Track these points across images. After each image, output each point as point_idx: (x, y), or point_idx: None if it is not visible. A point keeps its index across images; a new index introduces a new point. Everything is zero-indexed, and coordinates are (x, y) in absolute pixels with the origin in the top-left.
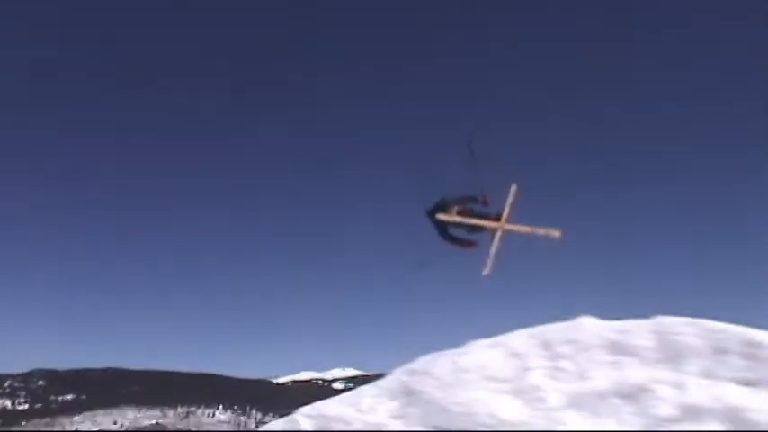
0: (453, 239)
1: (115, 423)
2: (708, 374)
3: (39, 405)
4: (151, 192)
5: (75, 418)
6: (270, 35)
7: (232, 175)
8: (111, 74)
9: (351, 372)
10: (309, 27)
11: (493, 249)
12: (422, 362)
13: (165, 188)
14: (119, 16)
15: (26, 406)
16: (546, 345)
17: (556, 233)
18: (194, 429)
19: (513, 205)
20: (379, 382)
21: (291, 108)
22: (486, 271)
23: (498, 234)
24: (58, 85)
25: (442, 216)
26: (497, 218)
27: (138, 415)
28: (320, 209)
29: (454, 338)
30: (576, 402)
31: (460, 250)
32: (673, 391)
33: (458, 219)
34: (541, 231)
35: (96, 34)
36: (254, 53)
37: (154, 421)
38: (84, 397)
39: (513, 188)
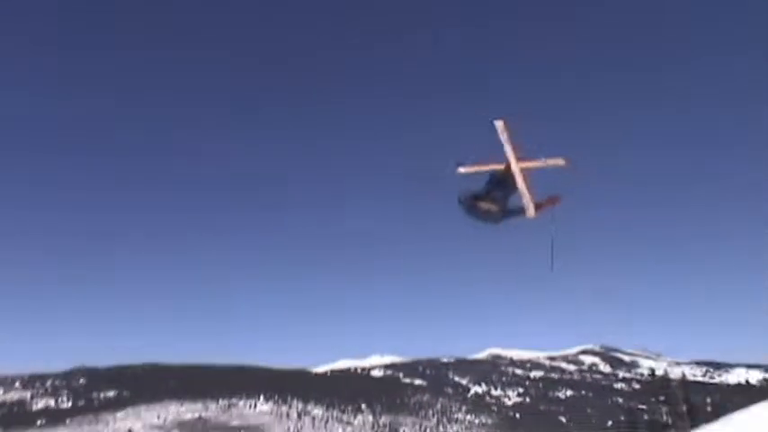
0: (490, 217)
1: (158, 417)
2: None
3: (81, 403)
4: (200, 186)
5: (119, 414)
6: None
7: (268, 164)
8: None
9: (389, 359)
10: None
11: (525, 193)
12: None
13: (206, 178)
14: None
15: (69, 404)
16: None
17: (561, 162)
18: (237, 422)
19: (510, 141)
20: None
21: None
22: (530, 213)
23: (519, 178)
24: None
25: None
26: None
27: (181, 409)
28: (355, 197)
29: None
30: None
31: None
32: None
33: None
34: (550, 162)
35: None
36: None
37: (197, 414)
38: (125, 393)
39: (499, 124)
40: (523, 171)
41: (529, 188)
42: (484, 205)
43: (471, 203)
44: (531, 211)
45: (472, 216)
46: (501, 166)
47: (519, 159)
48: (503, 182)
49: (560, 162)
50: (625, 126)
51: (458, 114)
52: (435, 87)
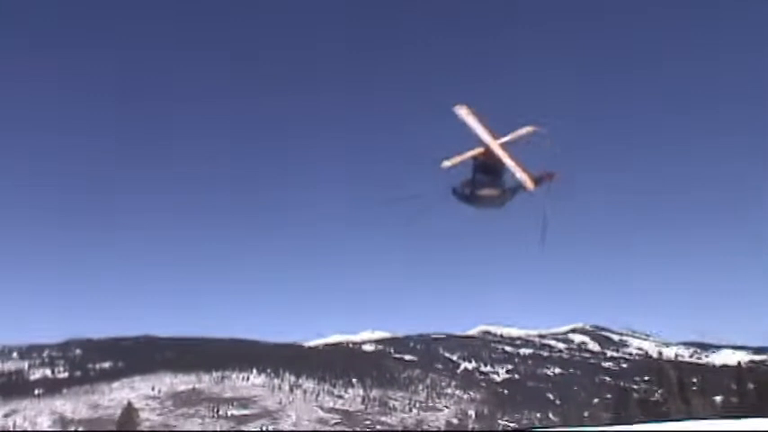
0: (483, 200)
1: (153, 389)
2: None
3: (78, 373)
4: (192, 159)
5: (114, 384)
6: None
7: (268, 140)
8: None
9: (380, 334)
10: None
11: (516, 168)
12: None
13: (207, 152)
14: None
15: (66, 374)
16: None
17: (530, 129)
18: (230, 394)
19: (478, 123)
20: None
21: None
22: (528, 185)
23: (503, 156)
24: None
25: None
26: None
27: (175, 380)
28: (345, 173)
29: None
30: None
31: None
32: None
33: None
34: (521, 133)
35: None
36: None
37: (190, 386)
38: (120, 364)
39: (461, 110)
40: (503, 148)
41: (516, 162)
42: (485, 192)
43: (470, 193)
44: (528, 183)
45: (472, 204)
46: (480, 150)
47: (493, 138)
48: (489, 165)
49: (530, 129)
50: (619, 105)
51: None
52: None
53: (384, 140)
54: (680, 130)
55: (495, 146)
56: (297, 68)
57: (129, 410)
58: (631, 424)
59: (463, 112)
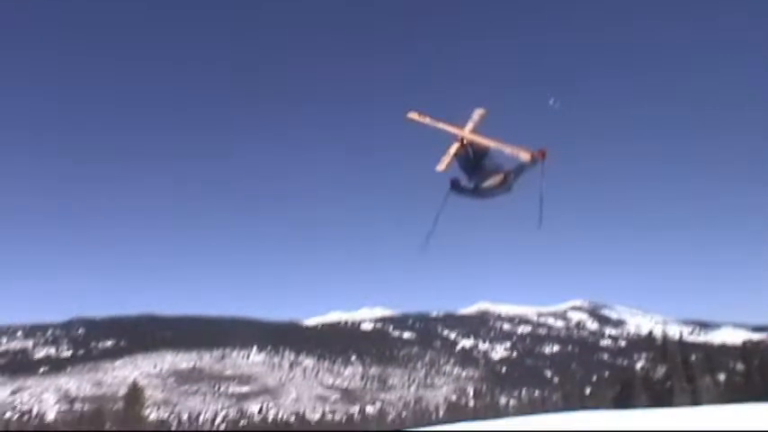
0: (480, 193)
1: (155, 367)
2: None
3: (81, 352)
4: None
5: (117, 363)
6: None
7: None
8: None
9: (379, 312)
10: None
11: (502, 147)
12: None
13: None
14: None
15: (69, 353)
16: None
17: (481, 111)
18: (230, 372)
19: (436, 122)
20: None
21: None
22: (524, 157)
23: (482, 141)
24: None
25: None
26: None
27: (176, 358)
28: (345, 152)
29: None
30: None
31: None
32: None
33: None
34: (475, 119)
35: None
36: None
37: (191, 364)
38: (123, 343)
39: (412, 116)
40: (474, 134)
41: (499, 142)
42: (489, 182)
43: (474, 186)
44: (523, 155)
45: (481, 197)
46: (456, 145)
47: (459, 129)
48: (474, 154)
49: (481, 111)
50: (619, 80)
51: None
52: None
53: (382, 116)
54: (680, 106)
55: (467, 134)
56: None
57: (136, 389)
58: (634, 402)
59: (414, 117)
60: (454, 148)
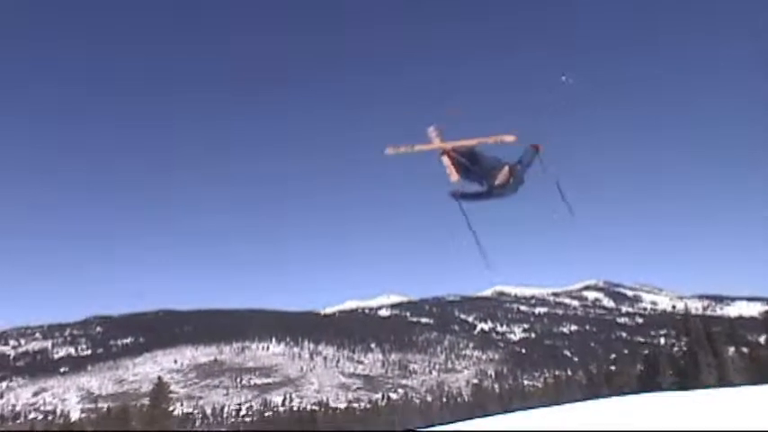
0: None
1: (176, 362)
2: None
3: (100, 350)
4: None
5: (137, 359)
6: None
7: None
8: None
9: (395, 298)
10: None
11: (485, 140)
12: None
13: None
14: None
15: (89, 352)
16: None
17: (509, 138)
18: (251, 364)
19: (413, 147)
20: None
21: None
22: (509, 140)
23: (464, 144)
24: None
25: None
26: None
27: (196, 353)
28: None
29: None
30: None
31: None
32: None
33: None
34: (491, 140)
35: None
36: None
37: (212, 357)
38: (141, 339)
39: (390, 151)
40: (450, 143)
41: (480, 139)
42: (501, 179)
43: (488, 187)
44: (507, 138)
45: (498, 196)
46: (447, 157)
47: (436, 143)
48: (469, 161)
49: (434, 128)
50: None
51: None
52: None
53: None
54: (685, 87)
55: (445, 145)
56: None
57: (161, 385)
58: (660, 379)
59: (392, 151)
60: (446, 159)
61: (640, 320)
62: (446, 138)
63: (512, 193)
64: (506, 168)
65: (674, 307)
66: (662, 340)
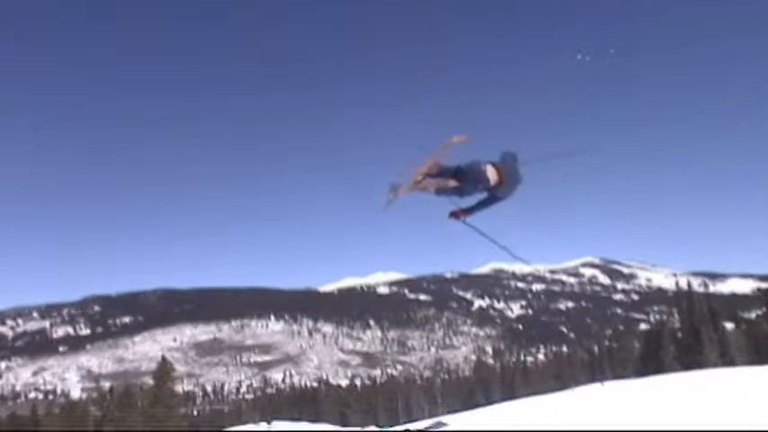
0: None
1: (175, 340)
2: None
3: (99, 329)
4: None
5: (136, 338)
6: None
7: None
8: None
9: (393, 275)
10: None
11: (437, 152)
12: None
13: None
14: None
15: (88, 331)
16: None
17: (459, 138)
18: (251, 341)
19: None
20: None
21: None
22: (457, 140)
23: (432, 162)
24: None
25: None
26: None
27: (195, 331)
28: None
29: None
30: None
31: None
32: None
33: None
34: (444, 148)
35: None
36: None
37: (211, 336)
38: (140, 318)
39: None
40: (418, 173)
41: (435, 154)
42: (491, 175)
43: (489, 191)
44: (457, 139)
45: (503, 196)
46: (431, 181)
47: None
48: (441, 172)
49: (459, 139)
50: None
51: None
52: None
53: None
54: (685, 65)
55: (418, 176)
56: None
57: (165, 363)
58: (663, 354)
59: (390, 199)
60: (430, 185)
61: (636, 297)
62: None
63: (512, 191)
64: (488, 166)
65: (677, 284)
66: (657, 316)
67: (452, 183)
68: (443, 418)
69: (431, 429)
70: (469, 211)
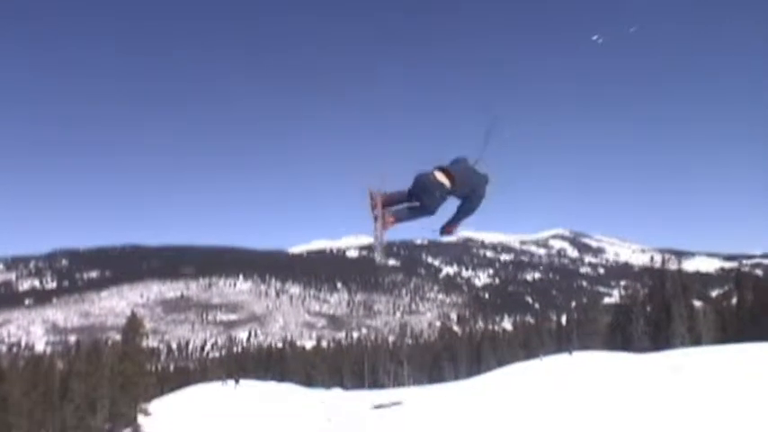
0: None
1: (142, 296)
2: None
3: (66, 283)
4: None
5: (103, 293)
6: None
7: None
8: None
9: (364, 240)
10: None
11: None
12: None
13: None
14: None
15: (54, 285)
16: None
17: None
18: (218, 300)
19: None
20: None
21: None
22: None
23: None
24: None
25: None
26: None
27: (163, 287)
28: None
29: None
30: None
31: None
32: None
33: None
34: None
35: None
36: None
37: (178, 293)
38: (108, 273)
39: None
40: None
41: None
42: (442, 179)
43: (465, 198)
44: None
45: (472, 202)
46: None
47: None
48: (412, 197)
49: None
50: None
51: None
52: None
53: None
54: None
55: (377, 212)
56: None
57: (134, 319)
58: (632, 328)
59: (383, 244)
60: (396, 217)
61: (602, 271)
62: None
63: (477, 190)
64: (435, 171)
65: (651, 258)
66: (622, 291)
67: (414, 203)
68: (404, 392)
69: (386, 405)
70: (454, 221)
